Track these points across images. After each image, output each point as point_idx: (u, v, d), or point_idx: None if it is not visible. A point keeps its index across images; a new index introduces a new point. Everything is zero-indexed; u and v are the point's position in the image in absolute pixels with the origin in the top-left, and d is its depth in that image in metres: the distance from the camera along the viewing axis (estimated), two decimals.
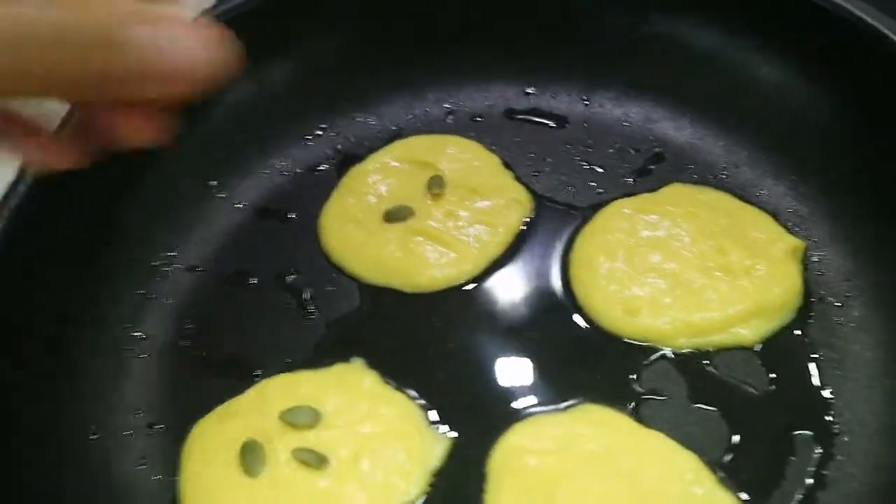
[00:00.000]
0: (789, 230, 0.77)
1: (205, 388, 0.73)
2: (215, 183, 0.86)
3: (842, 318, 0.72)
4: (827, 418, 0.67)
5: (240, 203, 0.85)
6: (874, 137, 0.75)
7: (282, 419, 0.68)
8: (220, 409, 0.71)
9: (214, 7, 0.79)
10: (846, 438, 0.66)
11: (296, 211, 0.85)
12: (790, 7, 0.75)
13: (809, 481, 0.64)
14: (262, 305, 0.78)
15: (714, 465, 0.65)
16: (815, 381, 0.69)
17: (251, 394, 0.71)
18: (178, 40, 0.42)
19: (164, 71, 0.42)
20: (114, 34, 0.40)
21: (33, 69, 0.38)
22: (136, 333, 0.77)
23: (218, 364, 0.75)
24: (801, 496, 0.64)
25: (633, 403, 0.69)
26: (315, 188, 0.86)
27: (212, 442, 0.69)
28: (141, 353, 0.76)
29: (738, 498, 0.63)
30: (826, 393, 0.68)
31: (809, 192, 0.79)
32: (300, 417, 0.68)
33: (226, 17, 0.79)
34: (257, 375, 0.73)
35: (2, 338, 0.67)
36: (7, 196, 0.69)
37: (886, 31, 0.70)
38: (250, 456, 0.67)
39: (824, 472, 0.65)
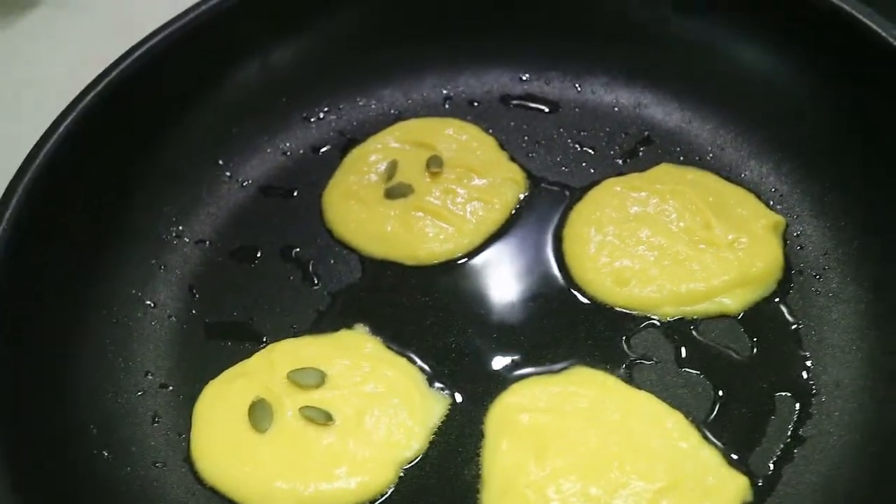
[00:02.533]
0: (771, 207, 0.81)
1: (214, 352, 0.77)
2: (221, 162, 0.89)
3: (820, 289, 0.76)
4: (805, 380, 0.71)
5: (245, 181, 0.89)
6: (852, 121, 0.79)
7: (289, 379, 0.71)
8: (230, 371, 0.74)
9: None
10: (823, 398, 0.70)
11: (299, 189, 0.88)
12: None
13: (788, 438, 0.68)
14: (267, 277, 0.82)
15: (699, 423, 0.69)
16: (795, 346, 0.73)
17: (259, 356, 0.75)
18: None
19: None
20: None
21: None
22: (147, 302, 0.80)
23: (225, 331, 0.78)
24: (780, 451, 0.67)
25: (623, 367, 0.72)
26: (318, 168, 0.89)
27: (222, 400, 0.72)
28: (152, 321, 0.79)
29: (722, 452, 0.67)
30: (804, 357, 0.72)
31: (790, 171, 0.83)
32: (307, 378, 0.71)
33: (234, 1, 0.84)
34: (264, 341, 0.77)
35: (19, 299, 0.70)
36: (25, 166, 0.73)
37: (861, 17, 0.74)
38: (259, 413, 0.70)
39: (802, 429, 0.68)
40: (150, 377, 0.76)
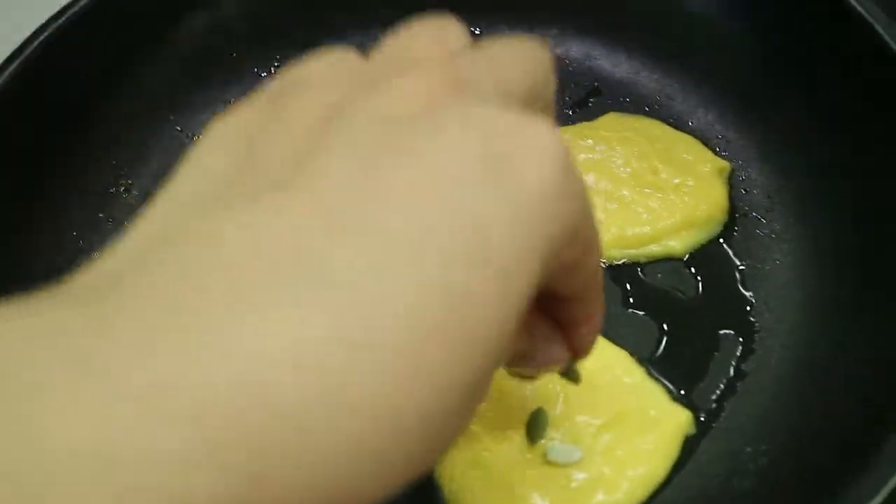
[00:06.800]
0: (717, 154, 0.81)
1: None
2: (172, 117, 0.88)
3: (764, 231, 0.77)
4: (748, 318, 0.72)
5: (196, 136, 0.88)
6: (797, 70, 0.80)
7: None
8: None
9: None
10: (764, 335, 0.71)
11: None
12: None
13: (731, 373, 0.69)
14: None
15: (644, 361, 0.70)
16: (739, 286, 0.74)
17: None
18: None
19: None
20: None
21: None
22: (94, 255, 0.79)
23: None
24: (722, 386, 0.68)
25: None
26: None
27: None
28: None
29: (665, 386, 0.68)
30: (748, 297, 0.73)
31: (736, 119, 0.83)
32: None
33: None
34: None
35: None
36: None
37: None
38: None
39: (744, 364, 0.70)
40: None
